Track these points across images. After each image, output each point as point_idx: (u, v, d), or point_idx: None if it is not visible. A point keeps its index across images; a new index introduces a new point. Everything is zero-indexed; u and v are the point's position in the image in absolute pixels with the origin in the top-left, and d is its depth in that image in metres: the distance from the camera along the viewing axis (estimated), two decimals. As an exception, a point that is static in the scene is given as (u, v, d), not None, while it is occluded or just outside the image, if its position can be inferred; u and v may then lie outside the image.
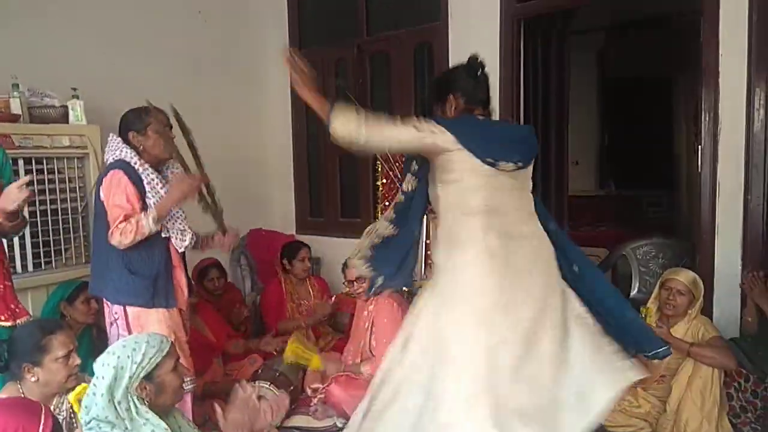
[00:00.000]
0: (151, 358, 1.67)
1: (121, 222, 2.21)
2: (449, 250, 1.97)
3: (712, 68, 2.89)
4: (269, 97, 4.51)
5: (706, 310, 2.88)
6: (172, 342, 1.79)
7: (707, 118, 2.93)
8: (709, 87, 2.91)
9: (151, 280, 2.31)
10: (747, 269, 2.75)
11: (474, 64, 2.01)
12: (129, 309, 2.32)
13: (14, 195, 2.03)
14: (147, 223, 2.23)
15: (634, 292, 3.75)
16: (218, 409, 1.85)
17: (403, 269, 2.10)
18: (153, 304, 2.32)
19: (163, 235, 2.36)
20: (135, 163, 2.31)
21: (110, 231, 2.22)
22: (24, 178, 2.10)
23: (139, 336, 1.75)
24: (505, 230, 1.90)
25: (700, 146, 2.98)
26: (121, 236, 2.20)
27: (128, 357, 1.64)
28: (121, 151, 2.32)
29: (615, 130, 6.21)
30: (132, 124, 2.35)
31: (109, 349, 1.71)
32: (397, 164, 3.71)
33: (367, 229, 2.15)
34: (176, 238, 2.41)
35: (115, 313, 2.32)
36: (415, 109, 3.81)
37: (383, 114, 1.88)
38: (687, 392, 2.53)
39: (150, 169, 2.34)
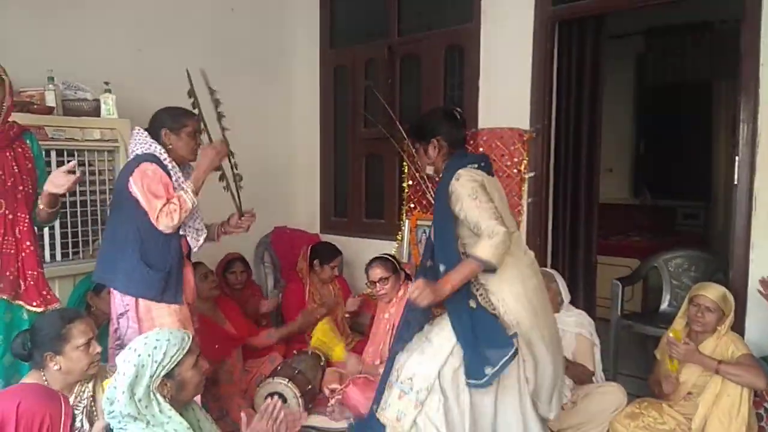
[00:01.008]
0: (172, 357, 1.68)
1: (164, 205, 2.25)
2: None
3: (751, 76, 2.78)
4: (298, 96, 4.53)
5: (738, 327, 2.78)
6: (193, 337, 1.80)
7: (745, 128, 2.82)
8: (749, 96, 2.80)
9: (164, 274, 2.32)
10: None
11: (454, 113, 2.33)
12: (141, 301, 2.33)
13: (62, 179, 2.08)
14: (189, 198, 2.29)
15: (664, 305, 3.65)
16: (244, 417, 1.86)
17: None
18: (162, 298, 2.33)
19: (180, 233, 2.38)
20: (164, 159, 2.36)
21: (155, 218, 2.25)
22: (71, 163, 2.16)
23: (161, 333, 1.75)
24: None
25: (737, 157, 2.87)
26: (167, 218, 2.24)
27: (149, 355, 1.66)
28: (150, 145, 2.35)
29: (652, 138, 6.05)
30: (168, 122, 2.39)
31: (131, 344, 1.72)
32: (424, 166, 3.68)
33: None
34: (191, 237, 2.44)
35: (126, 304, 2.33)
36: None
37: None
38: (714, 411, 2.44)
39: (178, 166, 2.39)
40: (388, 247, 3.88)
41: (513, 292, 2.12)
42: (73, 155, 2.84)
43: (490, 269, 2.02)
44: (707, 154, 5.14)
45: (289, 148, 4.52)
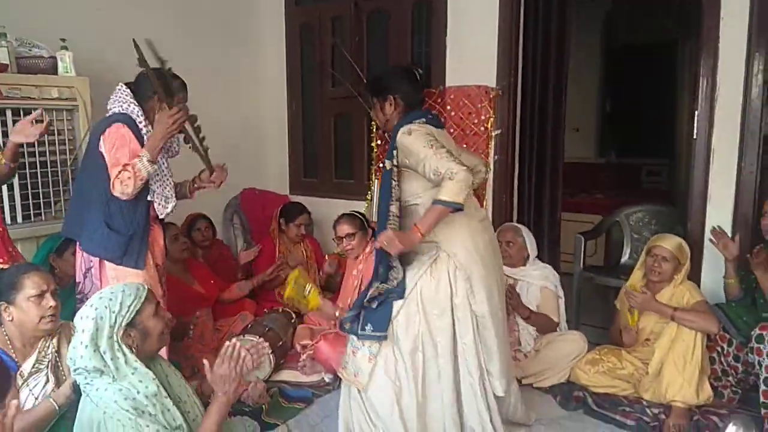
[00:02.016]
0: (129, 306, 1.69)
1: (120, 172, 2.19)
2: None
3: (712, 31, 2.83)
4: (264, 56, 4.44)
5: (695, 276, 2.89)
6: (149, 288, 1.80)
7: (705, 83, 2.88)
8: (709, 50, 2.85)
9: (126, 239, 2.29)
10: (736, 235, 2.73)
11: (414, 73, 2.32)
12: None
13: (28, 129, 2.01)
14: (143, 166, 2.21)
15: (625, 258, 3.76)
16: (206, 363, 1.86)
17: None
18: (122, 262, 2.29)
19: (148, 198, 2.34)
20: (140, 123, 2.30)
21: (111, 183, 2.20)
22: (37, 111, 2.09)
23: (114, 286, 1.77)
24: None
25: (696, 111, 2.93)
26: (122, 185, 2.19)
27: (106, 307, 1.66)
28: (129, 105, 2.29)
29: (618, 98, 6.12)
30: (161, 91, 2.31)
31: (88, 301, 1.72)
32: (392, 125, 3.67)
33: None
34: (159, 204, 2.38)
35: (90, 261, 2.31)
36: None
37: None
38: (669, 355, 2.55)
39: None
40: (358, 207, 3.88)
41: (464, 247, 2.16)
42: (30, 114, 2.76)
43: (458, 209, 2.03)
44: (672, 113, 5.22)
45: (257, 108, 4.46)
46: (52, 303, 1.96)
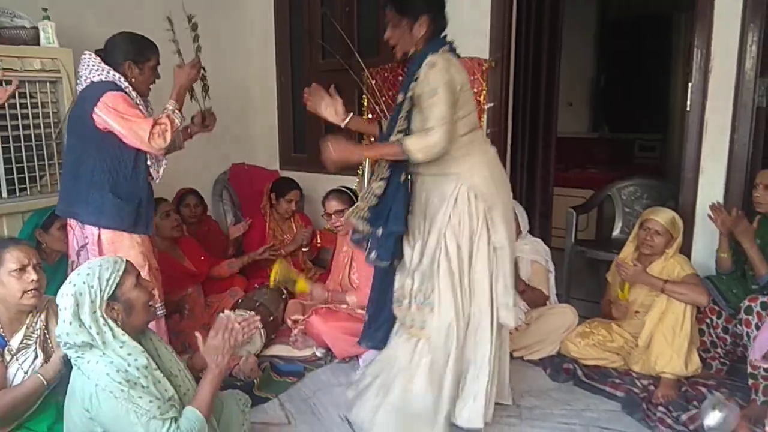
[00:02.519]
0: (108, 279, 1.68)
1: (155, 126, 2.20)
2: None
3: (707, 2, 2.79)
4: (252, 27, 4.36)
5: (686, 249, 2.90)
6: (127, 260, 1.78)
7: (699, 55, 2.84)
8: (704, 21, 2.81)
9: (135, 206, 2.30)
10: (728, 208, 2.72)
11: None
12: (104, 232, 2.29)
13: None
14: (177, 116, 2.29)
15: (616, 232, 3.76)
16: (199, 335, 1.86)
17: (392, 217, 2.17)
18: (135, 229, 2.31)
19: (147, 163, 2.34)
20: (126, 88, 2.27)
21: (146, 139, 2.18)
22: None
23: (91, 262, 1.75)
24: None
25: (690, 83, 2.91)
26: (160, 139, 2.22)
27: (84, 282, 1.65)
28: (108, 72, 2.25)
29: (612, 73, 6.07)
30: (132, 53, 2.30)
31: (68, 279, 1.71)
32: (383, 98, 3.63)
33: (361, 194, 2.30)
34: (153, 168, 2.39)
35: (86, 237, 2.29)
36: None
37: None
38: (659, 327, 2.56)
39: (138, 97, 2.32)
40: (349, 183, 3.86)
41: (483, 177, 2.13)
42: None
43: (402, 161, 2.04)
44: (666, 88, 5.19)
45: (245, 81, 4.39)
46: (33, 277, 1.93)
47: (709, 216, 2.70)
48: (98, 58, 2.29)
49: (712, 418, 2.17)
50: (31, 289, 1.93)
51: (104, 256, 2.24)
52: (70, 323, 1.61)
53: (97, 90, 2.22)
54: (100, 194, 2.26)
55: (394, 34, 2.11)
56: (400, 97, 2.11)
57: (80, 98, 2.31)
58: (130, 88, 2.29)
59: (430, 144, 1.97)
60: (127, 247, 2.31)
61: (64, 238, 2.63)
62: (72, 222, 2.36)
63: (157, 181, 2.43)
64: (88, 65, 2.28)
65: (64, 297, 1.65)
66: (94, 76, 2.26)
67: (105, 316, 1.65)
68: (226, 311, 1.90)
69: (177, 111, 2.31)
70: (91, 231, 2.29)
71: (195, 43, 2.48)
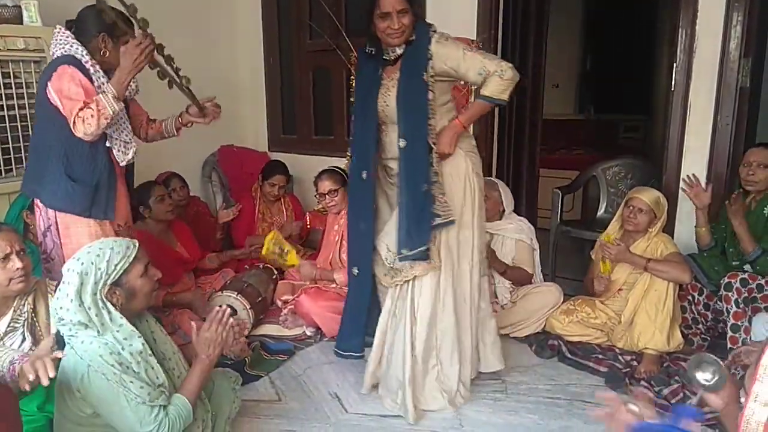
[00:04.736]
0: (116, 265, 1.68)
1: (81, 110, 2.01)
2: None
3: (692, -19, 2.81)
4: (239, 11, 4.31)
5: (669, 227, 2.95)
6: (139, 246, 1.76)
7: (684, 35, 2.87)
8: (689, 2, 2.84)
9: (91, 189, 2.16)
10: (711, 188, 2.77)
11: None
12: (59, 216, 2.17)
13: None
14: (108, 102, 2.03)
15: (601, 212, 3.81)
16: (194, 325, 1.88)
17: None
18: (90, 213, 2.16)
19: (107, 145, 2.19)
20: (86, 62, 2.13)
21: (71, 123, 2.04)
22: None
23: (104, 242, 1.74)
24: None
25: (675, 64, 2.94)
26: (84, 125, 2.02)
27: (92, 263, 1.65)
28: (71, 46, 2.14)
29: (597, 54, 6.10)
30: (107, 27, 2.14)
31: (76, 254, 1.70)
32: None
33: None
34: (119, 150, 2.21)
35: (49, 218, 2.19)
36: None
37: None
38: (642, 304, 2.62)
39: (101, 71, 2.17)
40: (338, 164, 3.86)
41: (477, 154, 2.39)
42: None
43: (501, 105, 2.20)
44: (651, 69, 5.23)
45: (232, 61, 4.34)
46: (18, 265, 1.87)
47: (683, 189, 2.74)
48: (67, 32, 2.17)
49: (705, 370, 2.20)
50: (18, 276, 1.87)
51: (64, 240, 2.17)
52: (71, 300, 1.61)
53: (53, 65, 2.12)
54: (54, 175, 2.13)
55: (409, 20, 2.15)
56: (425, 77, 2.14)
57: (40, 77, 2.24)
58: (91, 63, 2.13)
59: (509, 80, 2.10)
60: (84, 233, 2.16)
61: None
62: (38, 202, 2.23)
63: (123, 164, 2.25)
64: (57, 40, 2.17)
65: (70, 272, 1.64)
66: (57, 51, 2.15)
67: (105, 299, 1.65)
68: (214, 295, 1.92)
69: (110, 97, 2.04)
70: (51, 214, 2.18)
71: (134, 19, 2.07)
